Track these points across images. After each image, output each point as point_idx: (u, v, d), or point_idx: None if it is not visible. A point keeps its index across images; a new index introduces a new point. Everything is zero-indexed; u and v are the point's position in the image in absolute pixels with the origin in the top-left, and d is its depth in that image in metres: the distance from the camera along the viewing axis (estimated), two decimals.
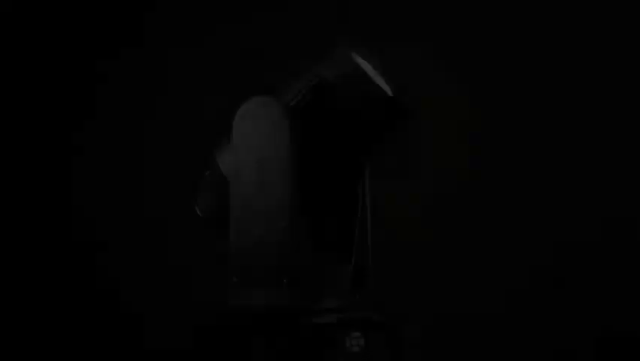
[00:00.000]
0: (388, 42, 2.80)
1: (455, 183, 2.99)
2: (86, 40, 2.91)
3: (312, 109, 1.89)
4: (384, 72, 1.97)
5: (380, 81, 1.95)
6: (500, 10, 3.02)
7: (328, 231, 2.01)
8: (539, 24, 3.02)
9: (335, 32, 2.83)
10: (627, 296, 2.94)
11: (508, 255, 2.97)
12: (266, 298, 1.82)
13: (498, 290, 2.96)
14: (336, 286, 1.97)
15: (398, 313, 1.96)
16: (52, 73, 2.90)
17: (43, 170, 2.89)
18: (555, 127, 3.02)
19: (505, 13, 3.02)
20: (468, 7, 3.02)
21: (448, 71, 2.97)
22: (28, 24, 2.87)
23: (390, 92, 1.95)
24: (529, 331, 2.95)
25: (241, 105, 1.85)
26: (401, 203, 2.85)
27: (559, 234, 2.99)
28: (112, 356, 2.88)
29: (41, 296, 2.85)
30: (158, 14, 2.94)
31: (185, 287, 2.87)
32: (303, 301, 1.86)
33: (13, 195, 2.87)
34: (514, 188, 3.02)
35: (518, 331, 2.94)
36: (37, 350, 2.83)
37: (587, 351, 2.93)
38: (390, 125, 1.99)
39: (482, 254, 2.98)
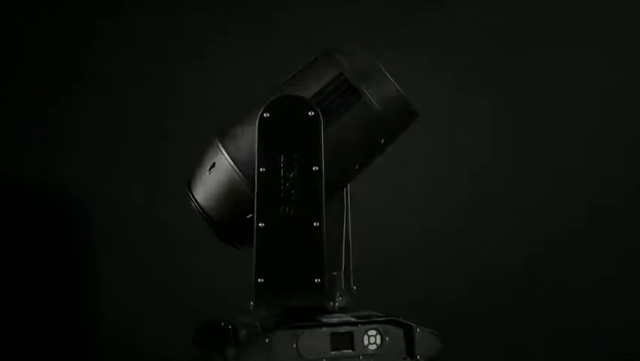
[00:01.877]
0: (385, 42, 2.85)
1: (438, 187, 3.03)
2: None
3: (340, 110, 1.89)
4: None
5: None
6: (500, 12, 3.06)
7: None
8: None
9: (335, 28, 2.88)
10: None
11: (483, 257, 3.01)
12: (297, 299, 1.82)
13: (477, 290, 2.99)
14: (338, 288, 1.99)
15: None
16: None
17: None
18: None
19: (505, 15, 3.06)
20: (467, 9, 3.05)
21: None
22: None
23: (403, 93, 1.97)
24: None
25: (266, 101, 1.83)
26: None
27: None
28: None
29: (41, 296, 2.83)
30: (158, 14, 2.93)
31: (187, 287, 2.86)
32: (328, 302, 1.87)
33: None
34: (501, 191, 3.06)
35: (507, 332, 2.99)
36: (36, 350, 2.81)
37: None
38: (405, 125, 2.01)
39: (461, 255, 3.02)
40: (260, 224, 1.81)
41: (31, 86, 2.83)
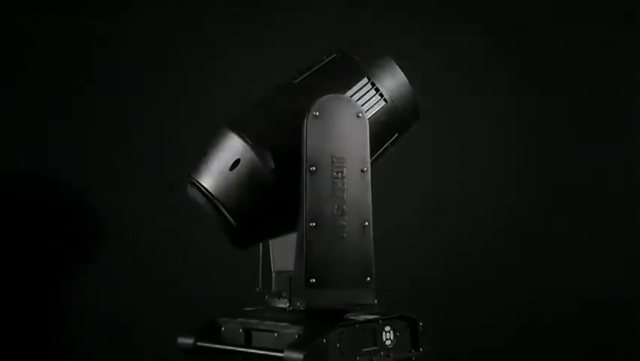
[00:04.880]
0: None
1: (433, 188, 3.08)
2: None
3: (368, 113, 1.92)
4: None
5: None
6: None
7: None
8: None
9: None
10: None
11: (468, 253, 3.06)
12: (349, 298, 1.84)
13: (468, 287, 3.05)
14: None
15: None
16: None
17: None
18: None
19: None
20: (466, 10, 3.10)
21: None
22: None
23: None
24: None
25: (315, 101, 1.81)
26: None
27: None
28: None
29: (40, 296, 2.82)
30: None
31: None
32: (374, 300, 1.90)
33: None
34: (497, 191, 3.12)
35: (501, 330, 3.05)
36: (35, 349, 2.79)
37: None
38: (410, 126, 2.05)
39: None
40: (311, 223, 1.80)
41: (31, 86, 2.81)
